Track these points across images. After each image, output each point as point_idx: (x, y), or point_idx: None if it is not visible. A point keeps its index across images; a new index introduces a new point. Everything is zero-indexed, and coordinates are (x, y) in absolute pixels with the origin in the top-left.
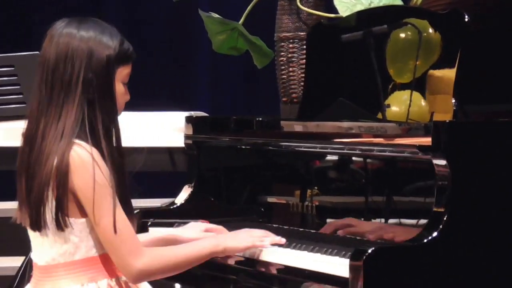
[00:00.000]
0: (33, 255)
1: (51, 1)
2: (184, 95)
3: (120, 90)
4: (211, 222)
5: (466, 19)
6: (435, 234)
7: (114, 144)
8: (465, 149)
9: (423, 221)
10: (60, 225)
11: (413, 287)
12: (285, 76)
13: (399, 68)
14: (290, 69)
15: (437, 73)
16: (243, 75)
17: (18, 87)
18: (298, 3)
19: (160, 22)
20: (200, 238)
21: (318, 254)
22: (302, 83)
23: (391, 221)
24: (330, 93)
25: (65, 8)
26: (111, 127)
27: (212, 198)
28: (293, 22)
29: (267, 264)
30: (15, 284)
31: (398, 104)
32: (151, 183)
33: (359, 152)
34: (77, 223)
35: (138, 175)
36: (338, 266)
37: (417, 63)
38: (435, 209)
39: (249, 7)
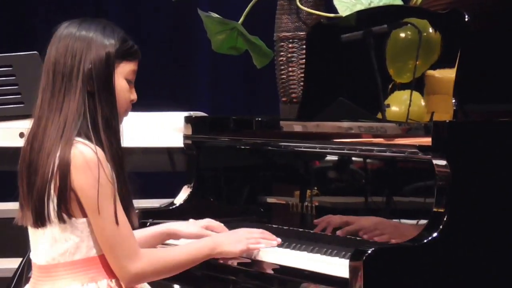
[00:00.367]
0: (32, 255)
1: (51, 0)
2: (184, 95)
3: (123, 85)
4: None
5: (466, 19)
6: (435, 234)
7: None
8: (465, 149)
9: (423, 221)
10: (63, 218)
11: (413, 287)
12: (284, 76)
13: (399, 68)
14: (290, 69)
15: (434, 73)
16: (243, 75)
17: (16, 87)
18: (298, 3)
19: (160, 22)
20: (199, 234)
21: (318, 255)
22: (301, 83)
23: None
24: (329, 93)
25: (64, 8)
26: (112, 121)
27: (212, 198)
28: (292, 21)
29: (266, 264)
30: (12, 286)
31: (398, 104)
32: (150, 183)
33: (359, 152)
34: (78, 223)
35: (137, 175)
36: (337, 266)
37: (417, 63)
38: (435, 209)
39: (248, 7)
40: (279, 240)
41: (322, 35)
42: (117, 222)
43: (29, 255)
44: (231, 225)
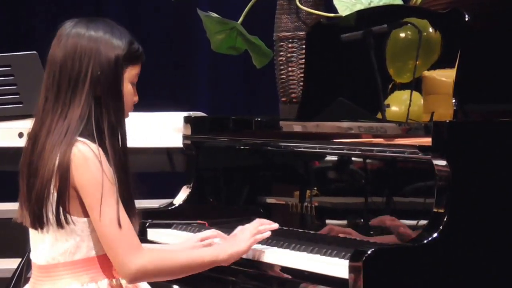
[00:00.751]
0: (32, 254)
1: (50, 0)
2: (184, 95)
3: (129, 90)
4: (209, 223)
5: (466, 19)
6: (435, 234)
7: (119, 143)
8: (465, 149)
9: (423, 222)
10: (61, 222)
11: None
12: (284, 76)
13: (399, 68)
14: (289, 68)
15: (431, 73)
16: (243, 75)
17: (15, 87)
18: (298, 3)
19: (160, 22)
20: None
21: (318, 255)
22: (301, 83)
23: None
24: (329, 93)
25: (64, 8)
26: (117, 126)
27: (211, 198)
28: (292, 21)
29: (266, 265)
30: (12, 286)
31: (398, 104)
32: (150, 183)
33: (359, 152)
34: (79, 222)
35: (136, 175)
36: (337, 267)
37: (417, 62)
38: (435, 209)
39: (248, 7)
40: (276, 224)
41: (321, 35)
42: (118, 218)
43: (28, 255)
44: (230, 226)
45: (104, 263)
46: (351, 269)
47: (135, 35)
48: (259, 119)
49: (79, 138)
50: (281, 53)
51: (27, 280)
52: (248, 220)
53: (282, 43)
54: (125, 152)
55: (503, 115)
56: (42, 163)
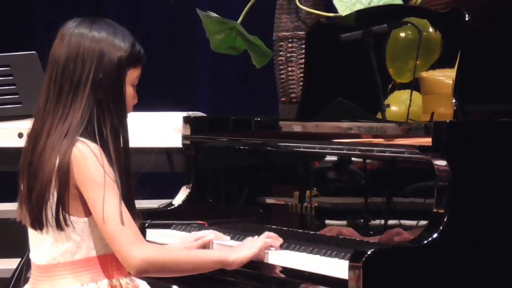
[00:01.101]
0: (32, 254)
1: (49, 0)
2: (184, 95)
3: (130, 92)
4: (209, 223)
5: (467, 18)
6: (435, 235)
7: (122, 146)
8: (465, 149)
9: (423, 222)
10: (60, 224)
11: None
12: (284, 76)
13: (399, 68)
14: (289, 68)
15: (428, 74)
16: (243, 75)
17: (14, 87)
18: (297, 2)
19: (160, 22)
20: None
21: (317, 256)
22: (301, 83)
23: (391, 222)
24: (329, 93)
25: (63, 8)
26: (120, 128)
27: (210, 199)
28: (292, 21)
29: (265, 265)
30: (11, 286)
31: (398, 104)
32: (149, 183)
33: (359, 152)
34: (79, 222)
35: (135, 175)
36: (337, 267)
37: (417, 62)
38: (435, 210)
39: (247, 6)
40: (281, 240)
41: (321, 34)
42: (119, 214)
43: (27, 255)
44: (230, 226)
45: (105, 263)
46: (351, 270)
47: (135, 35)
48: (258, 119)
49: (79, 138)
50: (281, 53)
51: (26, 280)
52: (248, 220)
53: (281, 43)
54: (127, 154)
55: (503, 115)
56: (42, 163)
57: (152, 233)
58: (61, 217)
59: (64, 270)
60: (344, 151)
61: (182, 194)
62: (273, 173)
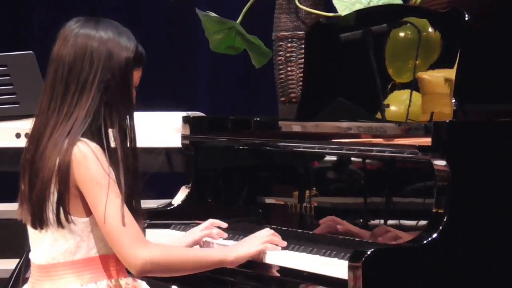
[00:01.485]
0: (32, 254)
1: (45, 1)
2: (183, 95)
3: (133, 93)
4: None
5: (466, 18)
6: (434, 235)
7: (129, 146)
8: (465, 149)
9: (422, 222)
10: (61, 222)
11: None
12: (283, 76)
13: (399, 68)
14: (289, 68)
15: (427, 74)
16: (243, 75)
17: (11, 87)
18: (297, 2)
19: (160, 22)
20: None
21: (317, 256)
22: (300, 83)
23: (390, 222)
24: (329, 93)
25: (60, 8)
26: (127, 129)
27: (210, 199)
28: (291, 21)
29: (265, 265)
30: (10, 286)
31: (398, 104)
32: (148, 183)
33: (358, 152)
34: (79, 222)
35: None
36: (337, 267)
37: (417, 62)
38: (434, 210)
39: (246, 6)
40: (284, 243)
41: (321, 34)
42: (121, 214)
43: (26, 255)
44: (230, 226)
45: (104, 263)
46: (351, 270)
47: (135, 35)
48: (258, 119)
49: (81, 138)
50: (280, 52)
51: (25, 280)
52: (248, 220)
53: (281, 43)
54: (135, 155)
55: (503, 115)
56: (43, 162)
57: (152, 233)
58: (61, 216)
59: (64, 270)
60: (344, 151)
61: (181, 194)
62: (272, 173)
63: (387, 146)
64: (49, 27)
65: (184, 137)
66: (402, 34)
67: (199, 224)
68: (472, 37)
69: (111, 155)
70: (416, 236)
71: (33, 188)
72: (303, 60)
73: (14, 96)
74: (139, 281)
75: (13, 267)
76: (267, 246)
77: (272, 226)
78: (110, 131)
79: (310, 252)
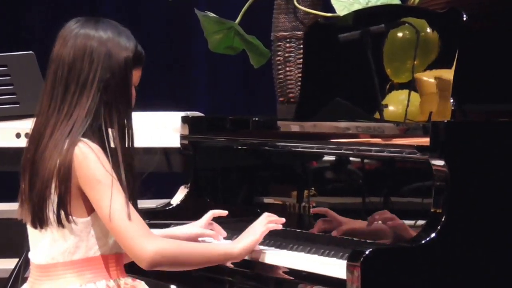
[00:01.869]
0: (31, 254)
1: (45, 1)
2: (182, 95)
3: (133, 93)
4: None
5: (464, 18)
6: (433, 235)
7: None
8: (463, 149)
9: (421, 222)
10: (61, 221)
11: None
12: (282, 76)
13: (397, 68)
14: (287, 68)
15: (425, 74)
16: (242, 75)
17: (11, 87)
18: (295, 2)
19: (159, 22)
20: (199, 234)
21: (315, 255)
22: (299, 83)
23: (389, 222)
24: (327, 93)
25: (60, 8)
26: (126, 128)
27: (208, 198)
28: (290, 21)
29: (263, 265)
30: (9, 286)
31: (396, 104)
32: (147, 183)
33: (357, 152)
34: (79, 222)
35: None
36: (335, 267)
37: (415, 62)
38: (433, 210)
39: (245, 6)
40: (283, 219)
41: (319, 34)
42: (126, 210)
43: (25, 255)
44: (228, 226)
45: (104, 263)
46: (349, 269)
47: (135, 35)
48: (256, 119)
49: (81, 139)
50: (279, 53)
51: (24, 280)
52: (246, 220)
53: (280, 43)
54: (132, 155)
55: (501, 115)
56: (43, 162)
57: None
58: (61, 215)
59: (63, 270)
60: (342, 151)
61: (180, 194)
62: (271, 173)
63: (386, 146)
64: (49, 27)
65: (183, 137)
66: (400, 34)
67: None
68: (470, 37)
69: (111, 154)
70: (415, 236)
71: (33, 188)
72: (301, 60)
73: (14, 96)
74: (138, 281)
75: (12, 266)
76: (268, 226)
77: None
78: (109, 130)
79: (308, 252)
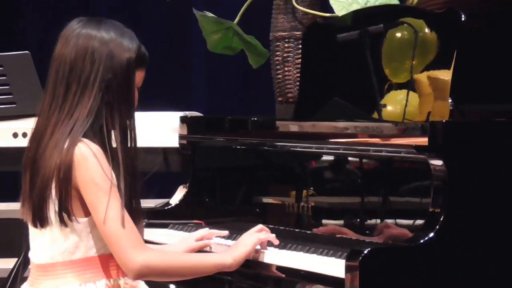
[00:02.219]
0: (31, 253)
1: (44, 0)
2: (182, 95)
3: (136, 94)
4: (206, 222)
5: (463, 19)
6: (431, 234)
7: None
8: (461, 149)
9: (419, 222)
10: (63, 220)
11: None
12: (280, 76)
13: (395, 68)
14: (286, 68)
15: (424, 74)
16: (242, 75)
17: (8, 87)
18: (294, 2)
19: (159, 22)
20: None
21: (314, 255)
22: (297, 83)
23: (387, 221)
24: (326, 93)
25: (60, 8)
26: (128, 129)
27: (207, 198)
28: (288, 21)
29: (262, 264)
30: (8, 286)
31: (394, 104)
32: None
33: (355, 152)
34: (78, 222)
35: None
36: (334, 266)
37: (413, 62)
38: (431, 209)
39: (244, 6)
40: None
41: (318, 34)
42: (120, 217)
43: (25, 254)
44: (227, 226)
45: (103, 263)
46: (348, 269)
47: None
48: (255, 119)
49: (82, 139)
50: (278, 53)
51: (23, 279)
52: (245, 220)
53: (278, 43)
54: (135, 155)
55: (499, 115)
56: (44, 161)
57: (149, 233)
58: (63, 214)
59: (63, 269)
60: (341, 151)
61: (179, 194)
62: (269, 173)
63: (384, 146)
64: (47, 27)
65: (181, 137)
66: (398, 35)
67: (196, 223)
68: (468, 37)
69: (112, 155)
70: (413, 236)
71: (34, 187)
72: (300, 60)
73: (10, 96)
74: (137, 280)
75: (11, 266)
76: (259, 236)
77: (270, 226)
78: (112, 131)
79: (307, 251)
